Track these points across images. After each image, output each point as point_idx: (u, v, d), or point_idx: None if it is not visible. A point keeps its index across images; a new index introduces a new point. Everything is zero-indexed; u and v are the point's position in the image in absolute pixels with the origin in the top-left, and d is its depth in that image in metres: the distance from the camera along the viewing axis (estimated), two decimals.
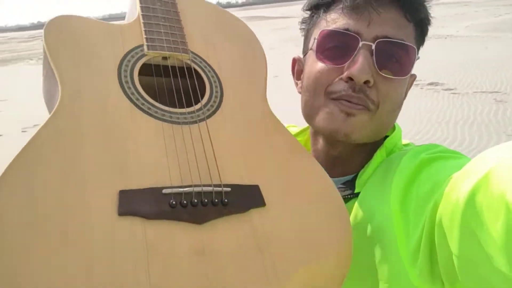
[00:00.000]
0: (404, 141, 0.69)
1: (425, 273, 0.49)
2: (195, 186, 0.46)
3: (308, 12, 0.68)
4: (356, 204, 0.60)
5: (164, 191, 0.45)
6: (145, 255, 0.39)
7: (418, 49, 0.63)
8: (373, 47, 0.57)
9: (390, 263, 0.53)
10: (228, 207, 0.46)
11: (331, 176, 0.64)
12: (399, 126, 0.69)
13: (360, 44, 0.58)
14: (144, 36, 0.60)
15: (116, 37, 0.60)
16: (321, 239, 0.49)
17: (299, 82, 0.70)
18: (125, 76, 0.56)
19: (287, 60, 0.88)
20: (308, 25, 0.68)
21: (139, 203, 0.43)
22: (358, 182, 0.62)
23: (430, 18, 0.64)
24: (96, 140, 0.47)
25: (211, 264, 0.41)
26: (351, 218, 0.59)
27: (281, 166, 0.55)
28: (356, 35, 0.58)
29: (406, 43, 0.59)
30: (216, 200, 0.46)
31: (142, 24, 0.62)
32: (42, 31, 0.57)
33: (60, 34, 0.57)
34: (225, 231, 0.45)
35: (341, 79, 0.59)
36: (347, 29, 0.59)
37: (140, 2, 0.64)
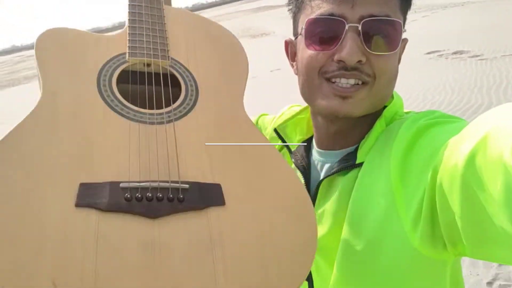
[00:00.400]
0: (406, 110, 0.69)
1: (426, 236, 0.51)
2: (152, 181, 0.47)
3: None
4: (359, 174, 0.61)
5: (121, 185, 0.46)
6: (94, 244, 0.41)
7: (405, 18, 0.64)
8: (360, 27, 0.58)
9: (391, 229, 0.55)
10: (184, 203, 0.47)
11: (333, 149, 0.69)
12: (398, 95, 0.69)
13: (347, 27, 0.58)
14: (128, 44, 0.65)
15: (102, 46, 0.64)
16: (281, 245, 0.47)
17: (294, 63, 0.71)
18: (104, 80, 0.59)
19: None
20: (294, 8, 0.68)
21: (96, 196, 0.45)
22: (359, 153, 0.63)
23: None
24: (66, 135, 0.50)
25: (158, 257, 0.42)
26: (354, 188, 0.61)
27: (249, 168, 0.54)
28: (341, 18, 0.59)
29: (391, 18, 0.59)
30: (172, 196, 0.46)
31: (127, 35, 0.66)
32: None
33: (49, 44, 0.62)
34: (178, 227, 0.45)
35: (333, 60, 0.60)
36: (331, 14, 0.59)
37: (129, 15, 0.69)
